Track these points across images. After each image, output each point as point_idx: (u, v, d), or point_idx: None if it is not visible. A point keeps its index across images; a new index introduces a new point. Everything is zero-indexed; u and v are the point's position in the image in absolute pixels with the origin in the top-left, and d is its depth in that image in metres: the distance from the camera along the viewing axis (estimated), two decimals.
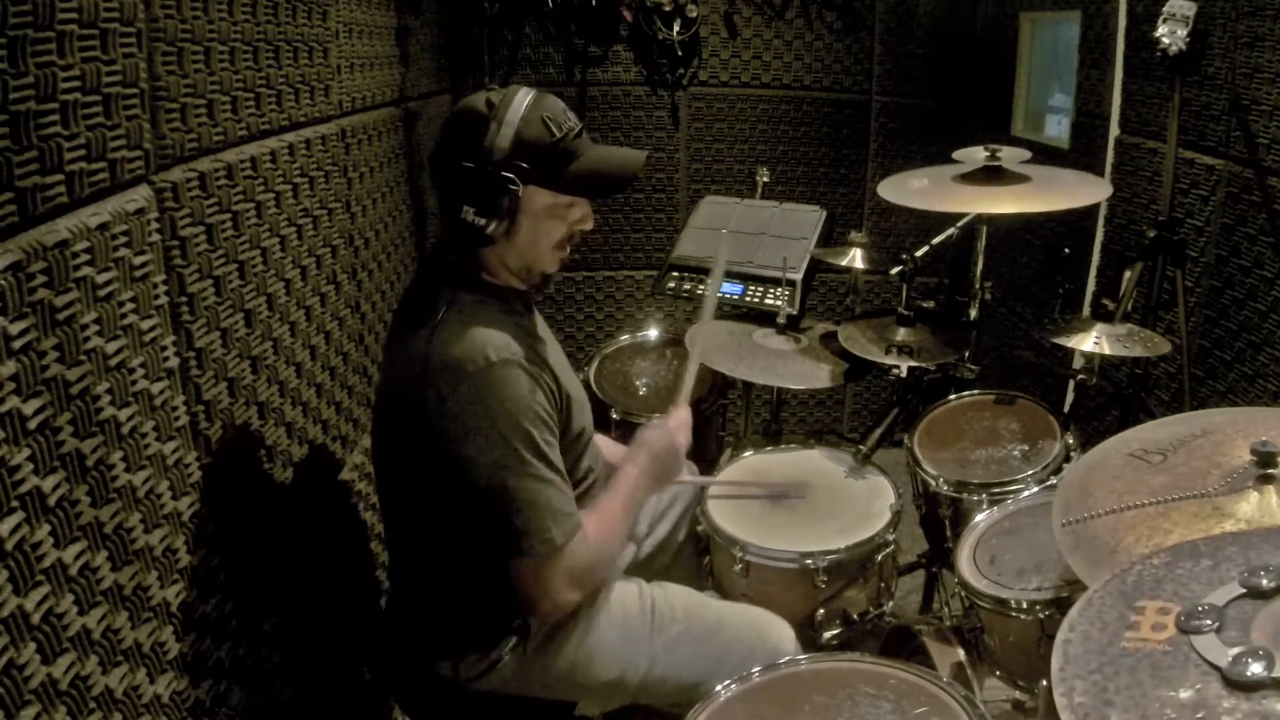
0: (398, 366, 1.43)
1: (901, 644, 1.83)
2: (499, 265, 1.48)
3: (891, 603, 1.96)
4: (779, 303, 2.44)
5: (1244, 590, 0.80)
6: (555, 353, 1.57)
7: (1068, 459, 1.94)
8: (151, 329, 1.10)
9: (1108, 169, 2.78)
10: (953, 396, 2.20)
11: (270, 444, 1.49)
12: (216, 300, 1.29)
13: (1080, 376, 2.36)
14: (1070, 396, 2.93)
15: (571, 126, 1.43)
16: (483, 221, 1.38)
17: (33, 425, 0.86)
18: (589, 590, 1.48)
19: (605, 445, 1.84)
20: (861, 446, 2.11)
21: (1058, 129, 3.28)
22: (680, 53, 3.43)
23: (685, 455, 1.71)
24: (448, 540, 1.47)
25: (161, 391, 1.12)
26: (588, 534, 1.43)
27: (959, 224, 2.26)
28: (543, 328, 1.60)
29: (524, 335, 1.44)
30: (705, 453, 2.49)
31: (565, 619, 1.52)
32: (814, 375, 2.27)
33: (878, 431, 2.15)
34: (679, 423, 1.72)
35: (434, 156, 1.45)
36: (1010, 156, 2.13)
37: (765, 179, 2.91)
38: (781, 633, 1.64)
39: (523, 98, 1.39)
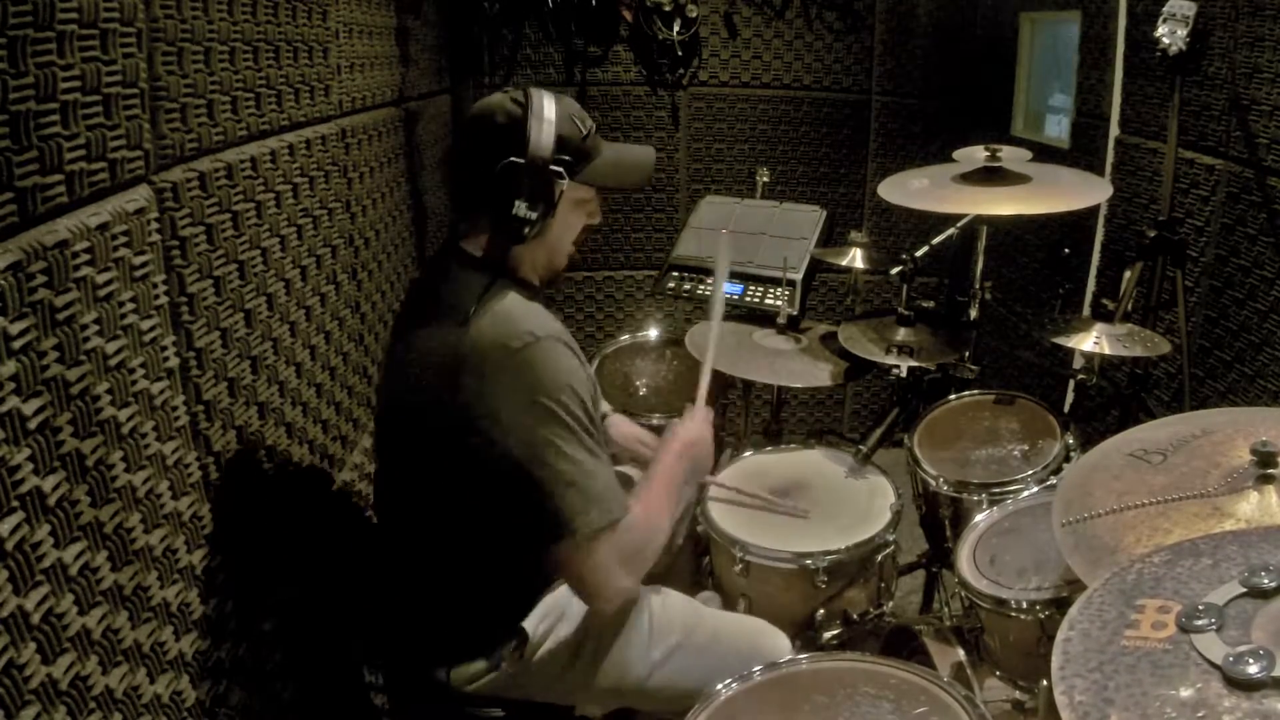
0: (420, 358, 1.40)
1: (901, 644, 1.83)
2: (527, 263, 1.50)
3: (891, 603, 1.96)
4: (779, 303, 2.44)
5: (1244, 589, 0.80)
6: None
7: (1068, 459, 1.94)
8: (151, 329, 1.10)
9: (1108, 169, 2.78)
10: (953, 396, 2.20)
11: (270, 444, 1.49)
12: (216, 300, 1.29)
13: (1080, 376, 2.36)
14: (1070, 396, 2.93)
15: (591, 124, 1.49)
16: (533, 216, 1.41)
17: (33, 425, 0.86)
18: (640, 575, 1.47)
19: (626, 426, 1.84)
20: (861, 446, 2.11)
21: (1058, 129, 3.28)
22: (680, 53, 3.42)
23: (713, 454, 1.71)
24: (450, 542, 1.46)
25: (161, 391, 1.12)
26: (635, 515, 1.42)
27: (959, 224, 2.27)
28: None
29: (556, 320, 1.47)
30: None
31: (561, 627, 1.52)
32: (814, 375, 2.27)
33: (878, 431, 2.15)
34: (705, 418, 1.71)
35: (466, 156, 1.46)
36: (1010, 156, 2.12)
37: (765, 179, 2.91)
38: (778, 643, 1.64)
39: (547, 96, 1.44)
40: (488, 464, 1.34)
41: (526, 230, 1.41)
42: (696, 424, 1.68)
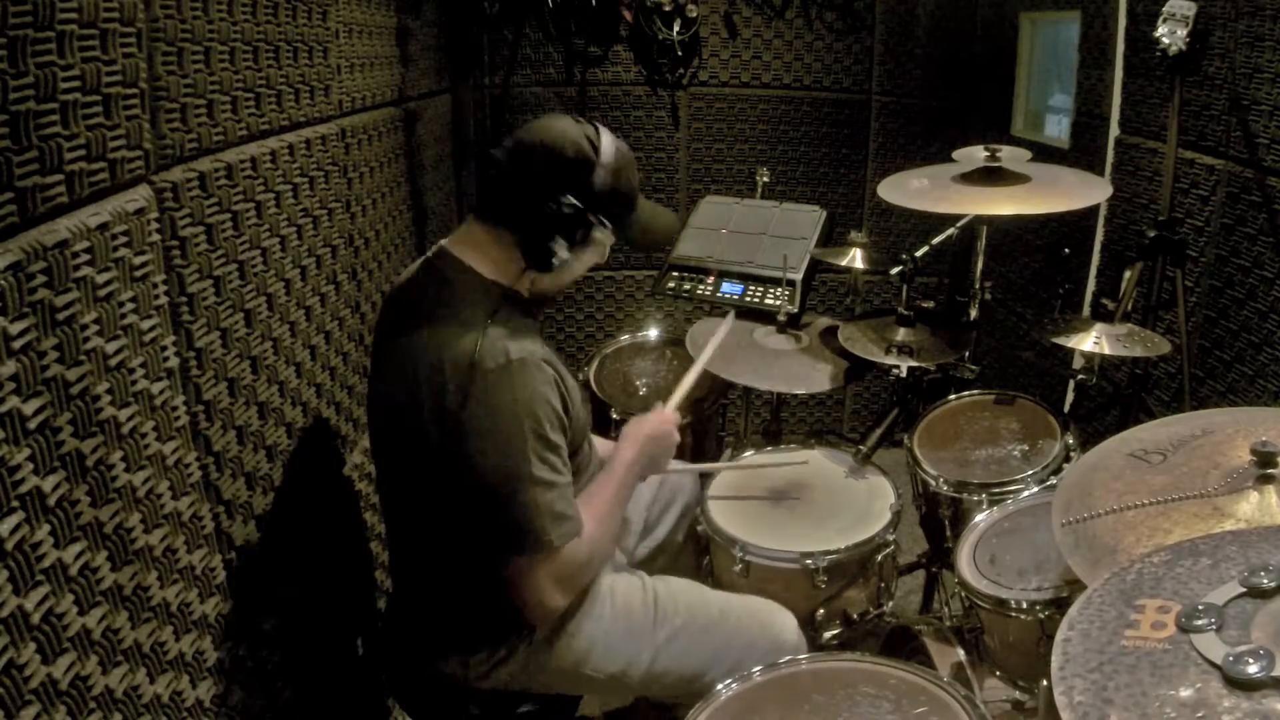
0: (410, 363, 1.41)
1: (901, 644, 1.83)
2: (525, 283, 1.51)
3: (891, 603, 1.96)
4: (779, 302, 2.44)
5: (1244, 589, 0.80)
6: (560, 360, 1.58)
7: (1068, 459, 1.94)
8: (151, 329, 1.10)
9: (1108, 169, 2.78)
10: (953, 396, 2.20)
11: (270, 444, 1.49)
12: (216, 300, 1.29)
13: (1080, 376, 2.36)
14: (1070, 396, 2.93)
15: (638, 180, 1.53)
16: (567, 257, 1.43)
17: (33, 425, 0.86)
18: (576, 592, 1.49)
19: (603, 446, 1.85)
20: (861, 446, 2.11)
21: (1058, 129, 3.28)
22: (680, 53, 3.42)
23: (674, 450, 1.73)
24: (453, 538, 1.47)
25: (161, 391, 1.12)
26: (583, 537, 1.44)
27: (959, 224, 2.26)
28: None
29: (539, 336, 1.48)
30: (705, 453, 2.49)
31: (569, 614, 1.52)
32: (814, 377, 2.27)
33: (878, 431, 2.15)
34: (668, 417, 1.73)
35: (522, 176, 1.43)
36: (1010, 156, 2.12)
37: (765, 179, 2.91)
38: (784, 622, 1.65)
39: (611, 139, 1.47)
40: (458, 474, 1.37)
41: (550, 265, 1.42)
42: (658, 418, 1.70)
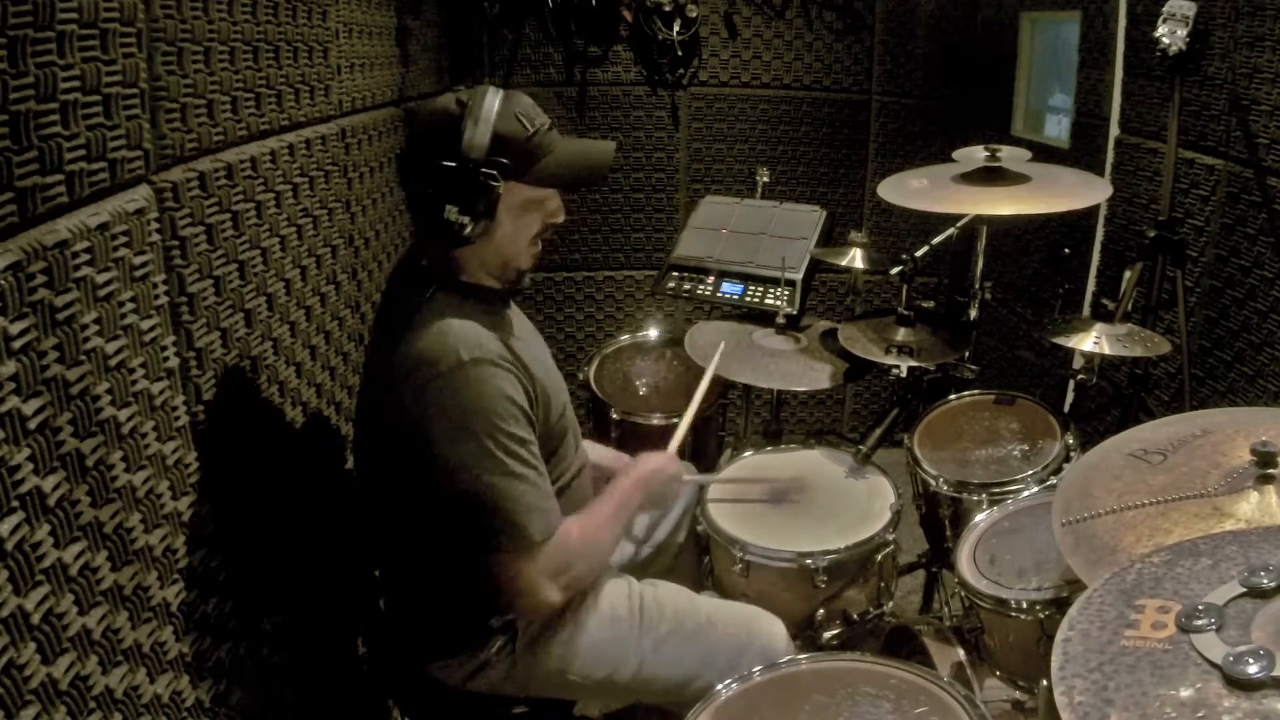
0: (374, 369, 1.44)
1: (901, 644, 1.83)
2: (476, 265, 1.47)
3: (891, 603, 1.96)
4: (779, 303, 2.44)
5: (1244, 589, 0.80)
6: (533, 347, 1.57)
7: (1068, 459, 1.94)
8: (151, 329, 1.10)
9: (1108, 169, 2.78)
10: (953, 396, 2.20)
11: (270, 444, 1.49)
12: (216, 300, 1.29)
13: (1080, 376, 2.36)
14: (1070, 396, 2.93)
15: (543, 121, 1.43)
16: (466, 220, 1.37)
17: (33, 425, 0.86)
18: (572, 590, 1.48)
19: (600, 451, 1.85)
20: (861, 446, 2.11)
21: (1058, 129, 3.28)
22: (680, 53, 3.42)
23: (677, 492, 1.81)
24: (429, 541, 1.47)
25: (161, 391, 1.12)
26: (570, 533, 1.44)
27: (959, 224, 2.26)
28: (520, 323, 1.60)
29: (499, 331, 1.44)
30: (705, 453, 2.49)
31: (553, 618, 1.52)
32: (814, 376, 2.27)
33: (878, 431, 2.15)
34: (673, 459, 1.76)
35: (406, 158, 1.43)
36: (1010, 156, 2.12)
37: (765, 179, 2.91)
38: (772, 629, 1.64)
39: (494, 96, 1.39)
40: (428, 477, 1.37)
41: (463, 235, 1.37)
42: (664, 456, 1.73)
